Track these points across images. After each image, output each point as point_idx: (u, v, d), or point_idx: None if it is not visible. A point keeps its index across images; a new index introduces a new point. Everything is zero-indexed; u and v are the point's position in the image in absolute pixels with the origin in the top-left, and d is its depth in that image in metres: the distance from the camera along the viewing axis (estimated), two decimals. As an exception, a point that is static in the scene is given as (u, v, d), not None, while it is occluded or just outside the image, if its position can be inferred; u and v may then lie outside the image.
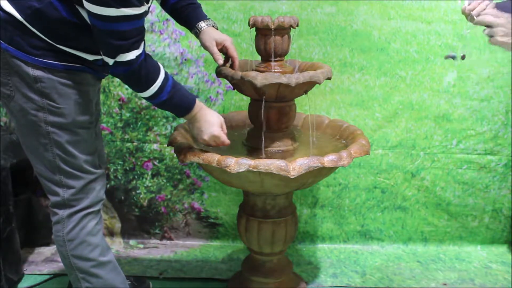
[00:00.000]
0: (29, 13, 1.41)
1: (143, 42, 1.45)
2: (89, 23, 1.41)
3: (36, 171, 1.60)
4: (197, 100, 1.62)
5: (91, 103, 1.58)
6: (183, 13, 1.79)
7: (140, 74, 1.46)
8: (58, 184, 1.57)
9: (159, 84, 1.51)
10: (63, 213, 1.60)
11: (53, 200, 1.60)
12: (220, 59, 1.76)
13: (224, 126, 1.68)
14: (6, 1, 1.42)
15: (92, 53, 1.50)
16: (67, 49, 1.46)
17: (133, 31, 1.38)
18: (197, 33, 1.78)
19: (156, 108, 2.38)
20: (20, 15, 1.41)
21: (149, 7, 1.51)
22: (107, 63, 1.46)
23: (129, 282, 2.06)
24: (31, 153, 1.57)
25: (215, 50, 1.75)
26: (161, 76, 1.51)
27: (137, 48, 1.42)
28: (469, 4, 1.55)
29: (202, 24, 1.76)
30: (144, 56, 1.46)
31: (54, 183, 1.58)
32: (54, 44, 1.45)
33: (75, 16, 1.43)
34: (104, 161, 1.94)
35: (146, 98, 1.55)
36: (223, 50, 1.79)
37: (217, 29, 1.80)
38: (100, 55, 1.49)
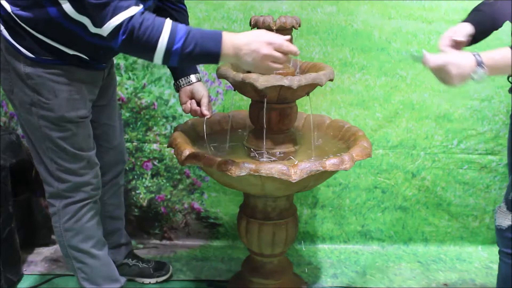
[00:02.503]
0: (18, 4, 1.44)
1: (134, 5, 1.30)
2: (68, 15, 1.41)
3: (35, 163, 1.66)
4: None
5: (83, 99, 1.59)
6: None
7: (139, 34, 1.28)
8: (52, 175, 1.63)
9: (168, 36, 1.29)
10: (59, 204, 1.66)
11: (49, 191, 1.66)
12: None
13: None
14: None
15: (69, 47, 1.50)
16: (53, 43, 1.48)
17: None
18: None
19: (156, 107, 2.37)
20: (11, 8, 1.45)
21: None
22: (107, 46, 1.40)
23: (150, 265, 2.17)
24: (29, 145, 1.63)
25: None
26: (167, 27, 1.30)
27: (126, 8, 1.27)
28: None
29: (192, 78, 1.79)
30: (141, 17, 1.29)
31: (49, 175, 1.63)
32: (41, 38, 1.46)
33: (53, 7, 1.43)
34: (123, 159, 1.99)
35: (165, 57, 1.32)
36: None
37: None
38: (81, 52, 1.51)
